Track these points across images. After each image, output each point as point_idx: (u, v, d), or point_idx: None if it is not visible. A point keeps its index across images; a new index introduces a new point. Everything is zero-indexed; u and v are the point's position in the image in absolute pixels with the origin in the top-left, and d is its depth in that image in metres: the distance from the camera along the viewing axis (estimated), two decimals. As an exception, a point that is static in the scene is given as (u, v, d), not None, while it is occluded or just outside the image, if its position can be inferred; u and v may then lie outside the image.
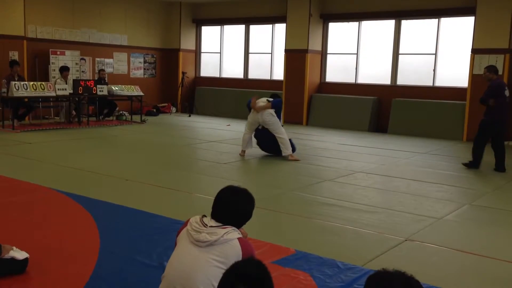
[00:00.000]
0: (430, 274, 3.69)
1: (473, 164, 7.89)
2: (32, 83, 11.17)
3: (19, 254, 3.44)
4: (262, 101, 8.54)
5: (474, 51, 11.53)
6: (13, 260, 3.40)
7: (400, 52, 13.16)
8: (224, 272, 1.90)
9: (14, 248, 3.47)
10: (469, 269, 3.93)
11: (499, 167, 7.78)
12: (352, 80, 13.99)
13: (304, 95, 14.04)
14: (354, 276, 3.58)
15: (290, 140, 8.57)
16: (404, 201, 5.94)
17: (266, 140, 8.66)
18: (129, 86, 13.45)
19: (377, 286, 1.75)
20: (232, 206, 2.70)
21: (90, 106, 13.19)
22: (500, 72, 11.13)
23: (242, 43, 16.06)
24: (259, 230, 4.35)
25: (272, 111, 8.40)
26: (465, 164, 8.00)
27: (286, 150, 8.39)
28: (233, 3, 15.69)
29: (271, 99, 8.61)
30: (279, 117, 8.53)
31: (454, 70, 12.50)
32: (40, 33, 13.34)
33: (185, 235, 2.69)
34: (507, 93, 7.77)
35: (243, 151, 8.66)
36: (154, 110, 15.58)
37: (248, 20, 15.70)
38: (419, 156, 9.34)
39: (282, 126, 8.61)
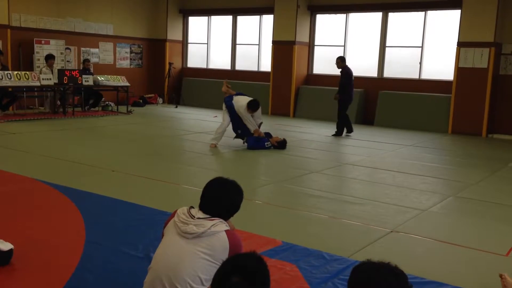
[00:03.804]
0: (415, 265, 3.73)
1: (338, 133, 10.64)
2: (16, 72, 11.02)
3: (4, 245, 3.40)
4: (238, 101, 8.59)
5: (460, 45, 11.61)
6: (-3, 251, 3.37)
7: (387, 44, 13.21)
8: (222, 263, 1.89)
9: (-1, 239, 3.44)
10: (453, 260, 3.98)
11: (349, 130, 10.73)
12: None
13: (291, 87, 14.04)
14: (340, 267, 3.60)
15: (260, 139, 8.55)
16: (389, 193, 5.99)
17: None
18: (115, 76, 13.32)
19: (363, 277, 1.77)
20: (220, 198, 2.69)
21: (76, 96, 13.06)
22: (485, 66, 11.35)
23: (230, 34, 15.98)
24: (246, 221, 4.36)
25: (224, 105, 8.70)
26: (333, 135, 10.62)
27: (213, 136, 8.69)
28: (221, -6, 15.61)
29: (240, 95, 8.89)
30: (232, 114, 8.52)
31: (440, 63, 12.59)
32: (24, 21, 13.13)
33: (172, 226, 2.68)
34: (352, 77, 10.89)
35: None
36: (141, 101, 15.47)
37: (235, 11, 15.62)
38: (405, 148, 9.42)
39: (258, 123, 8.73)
